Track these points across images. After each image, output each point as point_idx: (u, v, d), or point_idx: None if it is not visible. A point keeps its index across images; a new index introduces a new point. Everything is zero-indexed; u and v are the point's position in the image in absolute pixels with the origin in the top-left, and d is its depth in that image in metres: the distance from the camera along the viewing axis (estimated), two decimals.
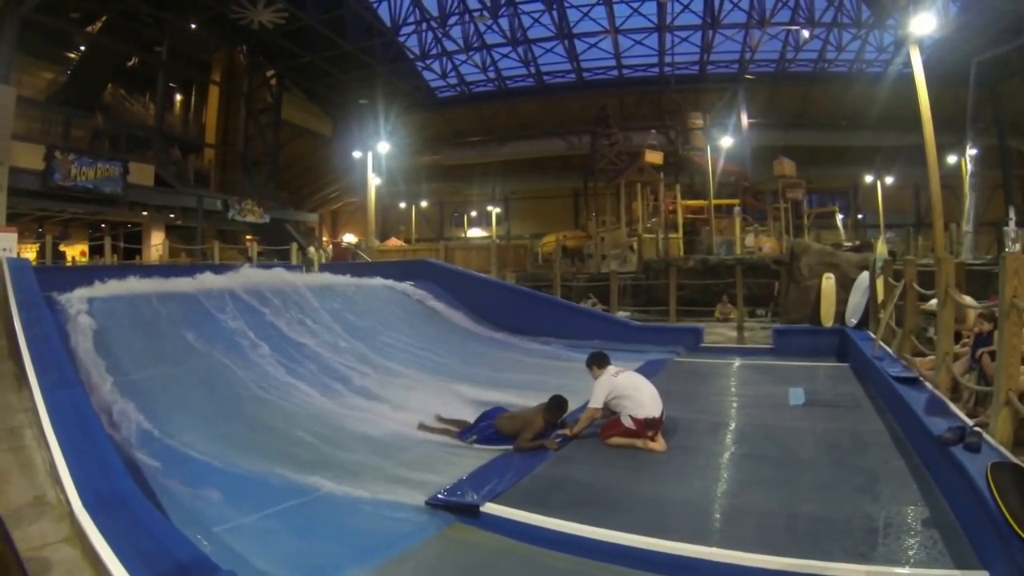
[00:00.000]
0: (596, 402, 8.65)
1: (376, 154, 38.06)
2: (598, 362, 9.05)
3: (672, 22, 42.47)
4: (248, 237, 39.15)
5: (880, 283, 14.03)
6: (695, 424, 9.39)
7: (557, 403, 8.98)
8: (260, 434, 9.04)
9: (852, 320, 15.63)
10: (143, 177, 33.04)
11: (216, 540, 5.89)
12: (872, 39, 41.72)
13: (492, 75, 49.55)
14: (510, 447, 8.60)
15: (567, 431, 8.76)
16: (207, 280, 14.41)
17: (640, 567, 5.43)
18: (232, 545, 5.86)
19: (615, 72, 49.30)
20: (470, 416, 9.88)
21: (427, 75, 49.81)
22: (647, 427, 8.25)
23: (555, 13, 42.26)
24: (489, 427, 9.19)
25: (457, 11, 41.44)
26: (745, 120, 46.28)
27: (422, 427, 9.89)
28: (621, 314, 22.10)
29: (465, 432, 9.42)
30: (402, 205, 56.49)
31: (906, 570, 5.04)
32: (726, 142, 41.72)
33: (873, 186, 44.78)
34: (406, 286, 20.19)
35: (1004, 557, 4.60)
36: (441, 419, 10.09)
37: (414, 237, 53.56)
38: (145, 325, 11.55)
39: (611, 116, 46.11)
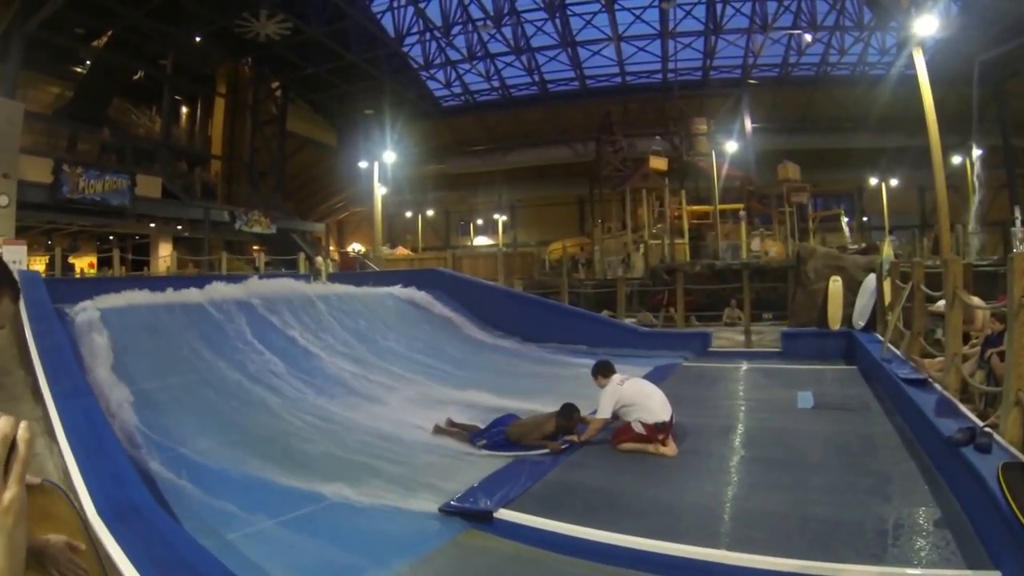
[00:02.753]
0: (604, 412, 8.69)
1: (382, 164, 38.09)
2: (603, 371, 9.07)
3: (675, 28, 42.38)
4: (255, 247, 39.16)
5: (887, 285, 14.03)
6: (705, 428, 9.42)
7: (568, 411, 9.00)
8: (272, 442, 9.06)
9: (859, 322, 15.65)
10: (150, 189, 33.13)
11: (230, 547, 5.90)
12: (874, 42, 41.66)
13: (496, 84, 49.50)
14: (519, 454, 8.63)
15: (574, 438, 8.79)
16: (216, 290, 14.47)
17: (653, 571, 5.43)
18: (246, 552, 5.88)
19: (618, 79, 49.23)
20: (481, 423, 9.91)
21: (431, 85, 49.79)
22: (657, 432, 8.28)
23: (558, 21, 42.28)
24: (500, 433, 9.20)
25: (460, 21, 41.51)
26: (749, 125, 46.16)
27: (437, 430, 9.94)
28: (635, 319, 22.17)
29: (476, 436, 9.45)
30: (408, 214, 56.43)
31: (918, 571, 5.05)
32: (730, 147, 41.63)
33: (878, 188, 44.73)
34: (415, 294, 20.23)
35: (1016, 557, 4.60)
36: (452, 423, 10.13)
37: (420, 246, 53.57)
38: (156, 335, 11.62)
39: (615, 123, 46.00)
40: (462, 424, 10.07)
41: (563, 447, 8.61)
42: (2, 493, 0.90)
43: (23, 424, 0.97)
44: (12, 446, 0.94)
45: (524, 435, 8.93)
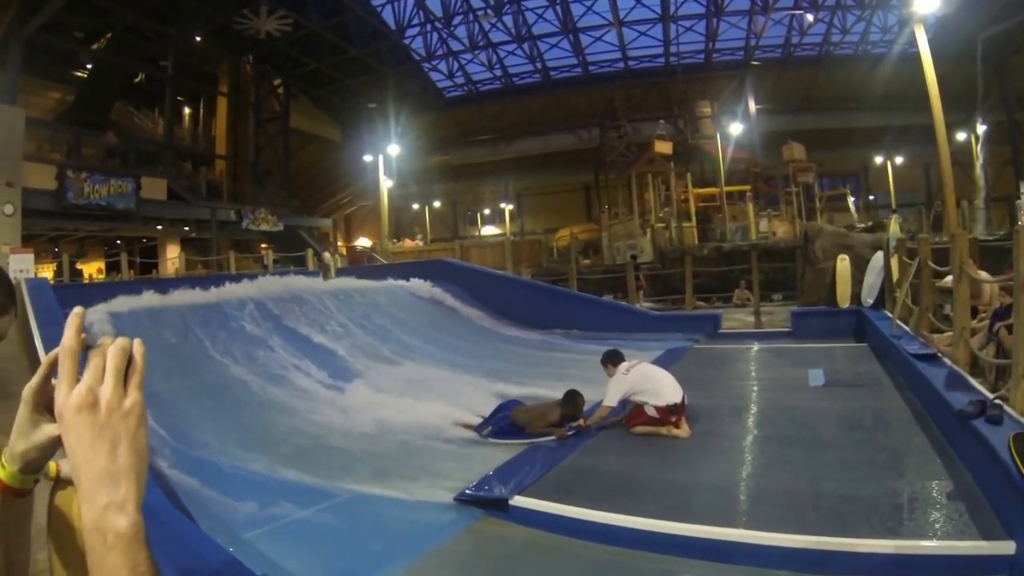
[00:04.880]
0: (610, 400, 8.75)
1: (387, 157, 38.05)
2: (612, 360, 9.14)
3: (676, 11, 42.13)
4: (263, 246, 39.13)
5: (895, 262, 14.03)
6: (718, 409, 9.44)
7: (571, 397, 9.10)
8: (286, 439, 9.12)
9: (868, 300, 15.65)
10: (156, 191, 33.06)
11: (248, 546, 5.95)
12: (876, 20, 41.34)
13: (499, 73, 49.28)
14: (524, 442, 8.71)
15: (581, 422, 8.86)
16: (227, 290, 14.55)
17: (670, 552, 5.49)
18: (264, 550, 5.93)
19: (621, 64, 48.94)
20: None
21: (434, 76, 49.49)
22: (670, 414, 8.31)
23: (559, 8, 42.10)
24: (505, 419, 9.30)
25: (461, 11, 41.31)
26: (753, 106, 45.99)
27: (456, 424, 10.03)
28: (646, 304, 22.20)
29: (481, 425, 9.54)
30: (415, 206, 56.41)
31: (933, 543, 5.08)
32: (735, 129, 41.57)
33: (883, 167, 44.60)
34: (424, 286, 20.27)
35: None
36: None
37: (429, 237, 53.55)
38: (167, 337, 11.66)
39: (619, 108, 45.97)
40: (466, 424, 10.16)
41: (569, 434, 8.69)
42: (123, 399, 0.99)
43: (138, 340, 1.07)
44: (130, 360, 1.04)
45: (529, 423, 9.01)
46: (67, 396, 0.98)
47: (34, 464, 1.17)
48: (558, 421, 8.94)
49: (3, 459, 1.16)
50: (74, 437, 0.96)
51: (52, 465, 1.24)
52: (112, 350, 1.02)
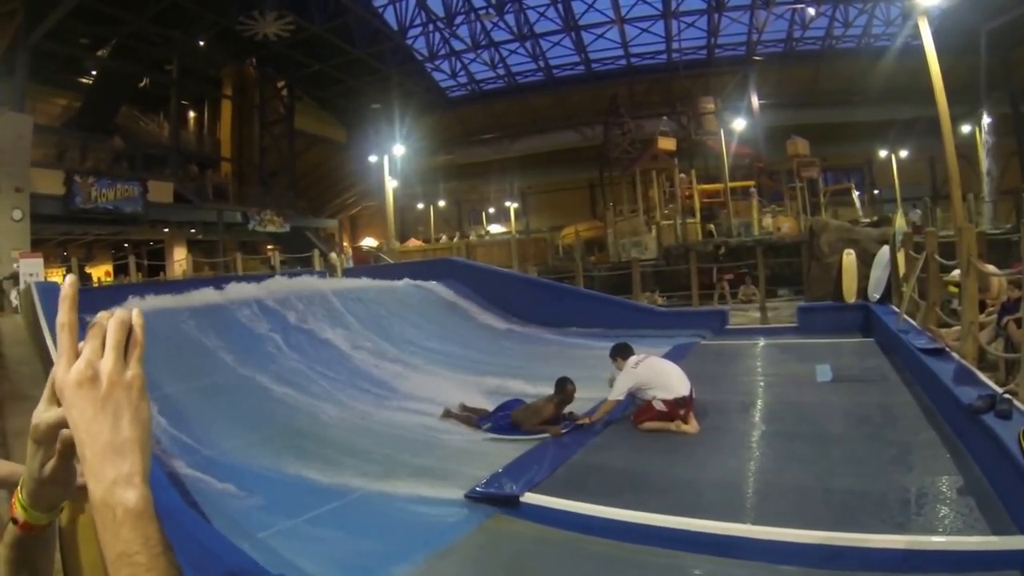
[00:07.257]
0: (615, 394, 8.82)
1: (391, 157, 38.07)
2: (621, 353, 9.21)
3: (677, 8, 42.06)
4: (269, 247, 39.14)
5: (901, 256, 14.01)
6: (725, 405, 9.47)
7: (560, 386, 9.23)
8: (296, 439, 9.14)
9: (875, 295, 15.62)
10: (162, 195, 33.25)
11: (261, 545, 5.97)
12: (879, 13, 41.28)
13: (501, 72, 49.26)
14: (520, 438, 8.80)
15: (585, 420, 8.93)
16: (236, 291, 14.57)
17: (680, 547, 5.50)
18: (277, 549, 5.96)
19: (623, 61, 48.87)
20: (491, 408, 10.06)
21: (437, 76, 49.51)
22: (678, 407, 8.34)
23: (560, 6, 42.13)
24: (505, 418, 9.41)
25: (463, 11, 41.33)
26: (756, 102, 45.93)
27: (446, 415, 10.10)
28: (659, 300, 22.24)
29: (482, 419, 9.64)
30: (420, 206, 56.34)
31: (943, 539, 5.09)
32: (738, 125, 41.53)
33: (888, 160, 44.43)
34: (430, 285, 20.29)
35: None
36: (464, 407, 10.26)
37: (433, 236, 53.52)
38: (175, 339, 11.67)
39: (622, 106, 45.88)
40: (473, 408, 10.22)
41: (563, 431, 8.76)
42: (124, 372, 0.99)
43: (136, 311, 1.06)
44: (129, 334, 1.03)
45: (524, 420, 9.09)
46: (66, 372, 0.98)
47: (51, 502, 1.14)
48: (553, 416, 9.05)
49: (23, 500, 1.13)
50: (77, 413, 0.96)
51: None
52: (112, 323, 1.02)
